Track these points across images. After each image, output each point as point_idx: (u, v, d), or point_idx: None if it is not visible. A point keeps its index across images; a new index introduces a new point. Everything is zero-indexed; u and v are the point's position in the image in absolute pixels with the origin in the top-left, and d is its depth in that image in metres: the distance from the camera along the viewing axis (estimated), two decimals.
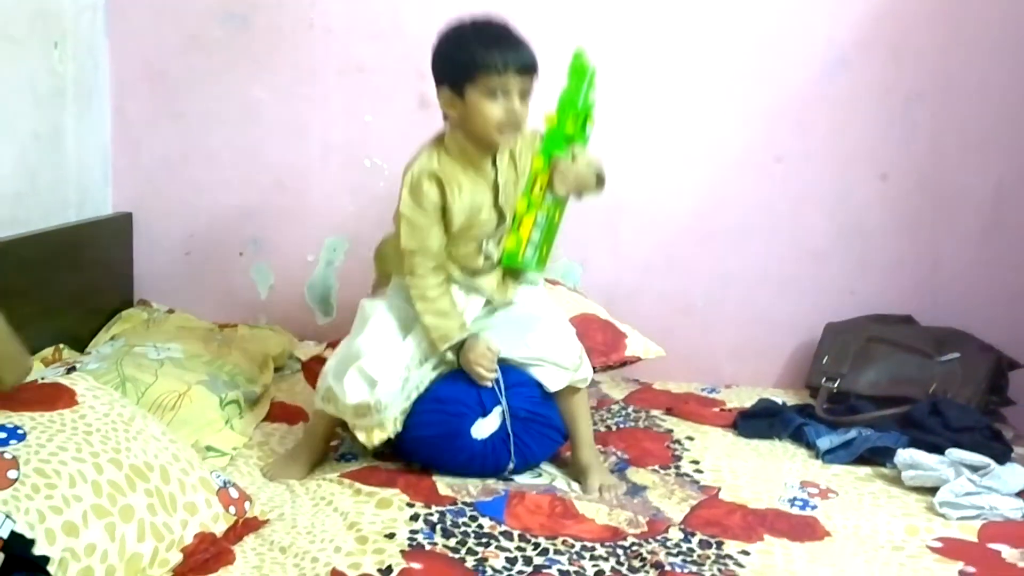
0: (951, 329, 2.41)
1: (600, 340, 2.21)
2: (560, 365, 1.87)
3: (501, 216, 1.85)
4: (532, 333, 1.88)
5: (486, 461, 1.81)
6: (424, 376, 1.84)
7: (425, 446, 1.83)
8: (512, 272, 1.91)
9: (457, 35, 1.78)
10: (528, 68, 1.73)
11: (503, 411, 1.82)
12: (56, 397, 1.43)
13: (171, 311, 2.58)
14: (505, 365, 1.86)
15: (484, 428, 1.82)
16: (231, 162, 2.61)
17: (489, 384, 1.82)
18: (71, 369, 1.88)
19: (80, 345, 2.30)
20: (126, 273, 2.61)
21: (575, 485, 1.85)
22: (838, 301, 2.56)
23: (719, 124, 2.54)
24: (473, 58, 1.72)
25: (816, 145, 2.53)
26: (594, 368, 2.04)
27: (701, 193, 2.58)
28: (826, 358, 2.42)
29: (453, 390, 1.84)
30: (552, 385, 1.87)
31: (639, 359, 2.30)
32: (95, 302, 2.45)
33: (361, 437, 1.82)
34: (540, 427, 1.86)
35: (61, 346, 2.20)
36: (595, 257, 2.59)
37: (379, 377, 1.77)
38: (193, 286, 2.66)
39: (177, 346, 2.19)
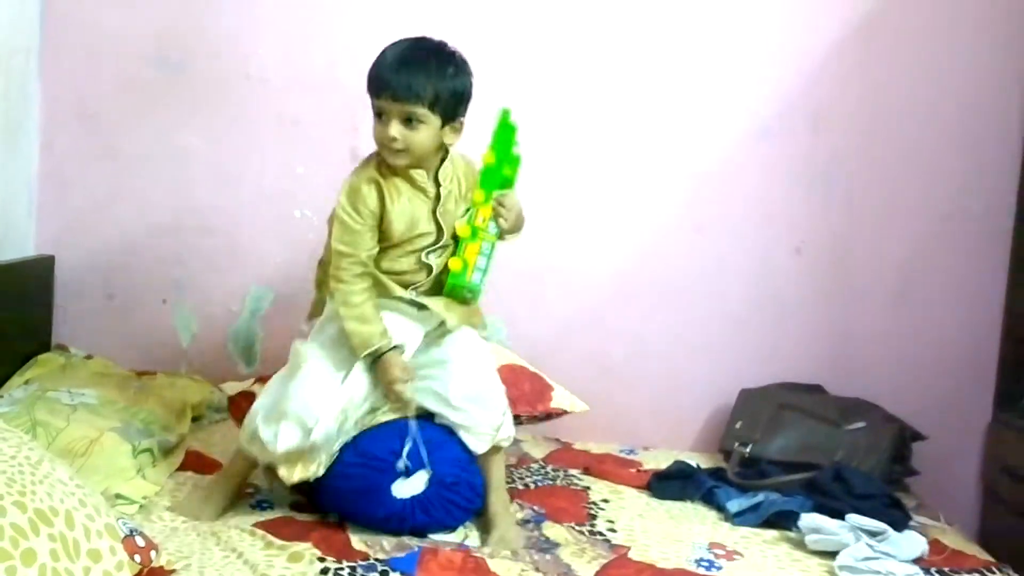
0: (858, 399, 2.50)
1: (527, 390, 2.25)
2: (483, 432, 1.89)
3: (440, 230, 1.88)
4: (454, 389, 1.88)
5: (404, 521, 1.81)
6: (362, 416, 1.85)
7: (343, 497, 1.82)
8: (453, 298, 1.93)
9: (380, 53, 1.84)
10: (401, 97, 1.75)
11: (428, 473, 1.83)
12: None
13: (89, 356, 2.53)
14: (431, 424, 1.88)
15: (406, 488, 1.82)
16: (159, 206, 2.60)
17: (406, 397, 1.83)
18: None
19: None
20: (44, 316, 2.56)
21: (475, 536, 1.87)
22: (754, 367, 2.64)
23: (644, 190, 2.63)
24: (369, 77, 1.81)
25: (736, 214, 2.63)
26: (518, 418, 2.09)
27: (624, 256, 2.65)
28: (739, 423, 2.49)
29: (378, 444, 1.84)
30: (477, 449, 1.90)
31: (565, 412, 2.35)
32: (10, 346, 2.38)
33: (282, 472, 1.81)
34: (464, 493, 1.88)
35: None
36: (519, 315, 2.64)
37: (314, 423, 1.76)
38: (114, 331, 2.63)
39: (92, 392, 2.15)
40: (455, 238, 1.89)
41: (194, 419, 2.34)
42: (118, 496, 1.83)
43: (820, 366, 2.64)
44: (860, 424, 2.38)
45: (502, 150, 1.90)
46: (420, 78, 1.75)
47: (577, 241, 2.64)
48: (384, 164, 1.84)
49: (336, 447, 1.82)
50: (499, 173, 1.89)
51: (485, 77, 2.50)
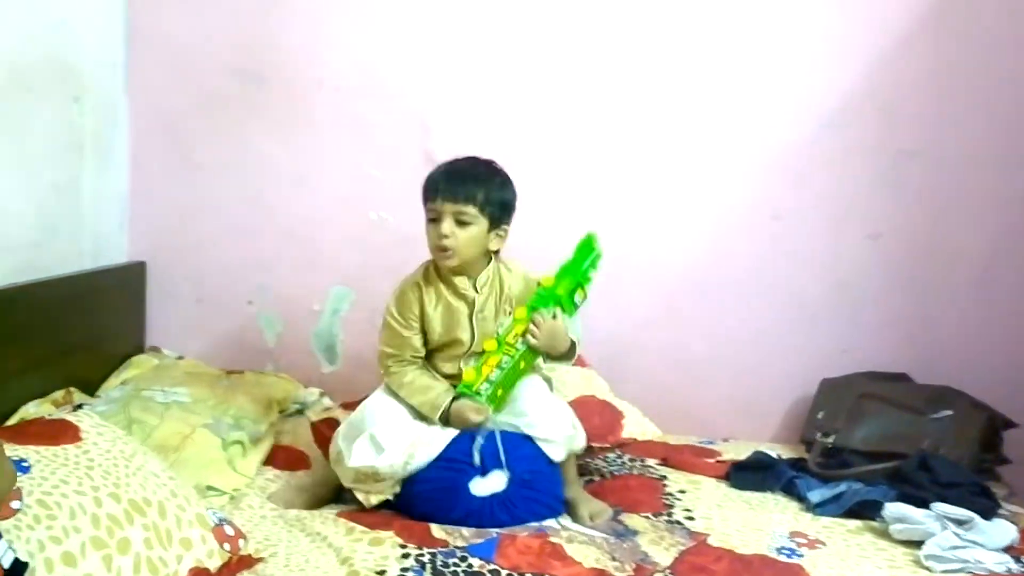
0: (944, 387, 2.43)
1: (597, 423, 2.25)
2: (558, 441, 1.95)
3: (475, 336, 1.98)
4: (532, 412, 1.95)
5: (483, 519, 1.84)
6: (438, 445, 1.91)
7: (423, 500, 1.87)
8: None
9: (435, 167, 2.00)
10: (457, 194, 1.90)
11: (506, 473, 1.87)
12: (61, 432, 1.49)
13: (181, 357, 2.65)
14: (509, 432, 1.93)
15: (484, 486, 1.86)
16: (242, 213, 2.70)
17: (483, 420, 1.89)
18: (78, 407, 1.94)
19: (91, 389, 2.36)
20: (138, 320, 2.69)
21: (565, 521, 1.89)
22: (835, 357, 2.60)
23: (719, 182, 2.61)
24: (424, 187, 1.96)
25: (811, 203, 2.59)
26: (591, 448, 2.13)
27: (701, 249, 2.64)
28: (821, 413, 2.45)
29: (453, 447, 1.89)
30: (555, 456, 1.94)
31: (635, 440, 2.35)
32: (107, 347, 2.51)
33: (360, 497, 1.89)
34: (541, 491, 1.90)
35: (72, 389, 2.26)
36: (594, 311, 2.61)
37: (387, 447, 1.85)
38: (203, 333, 2.74)
39: (184, 390, 2.24)
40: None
41: (280, 413, 2.41)
42: (209, 488, 1.91)
43: (903, 354, 2.58)
44: (947, 412, 2.32)
45: (568, 272, 1.97)
46: (471, 183, 1.92)
47: (653, 234, 2.64)
48: (430, 271, 2.00)
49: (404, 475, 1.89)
50: (552, 293, 1.94)
51: (561, 70, 2.57)
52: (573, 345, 1.98)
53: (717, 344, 2.65)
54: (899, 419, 2.34)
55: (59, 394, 2.20)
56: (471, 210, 1.90)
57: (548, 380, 2.10)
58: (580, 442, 2.01)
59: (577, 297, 1.98)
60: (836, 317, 2.62)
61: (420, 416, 1.95)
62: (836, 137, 2.56)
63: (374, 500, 1.89)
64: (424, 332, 2.00)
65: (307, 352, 2.73)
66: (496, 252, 2.02)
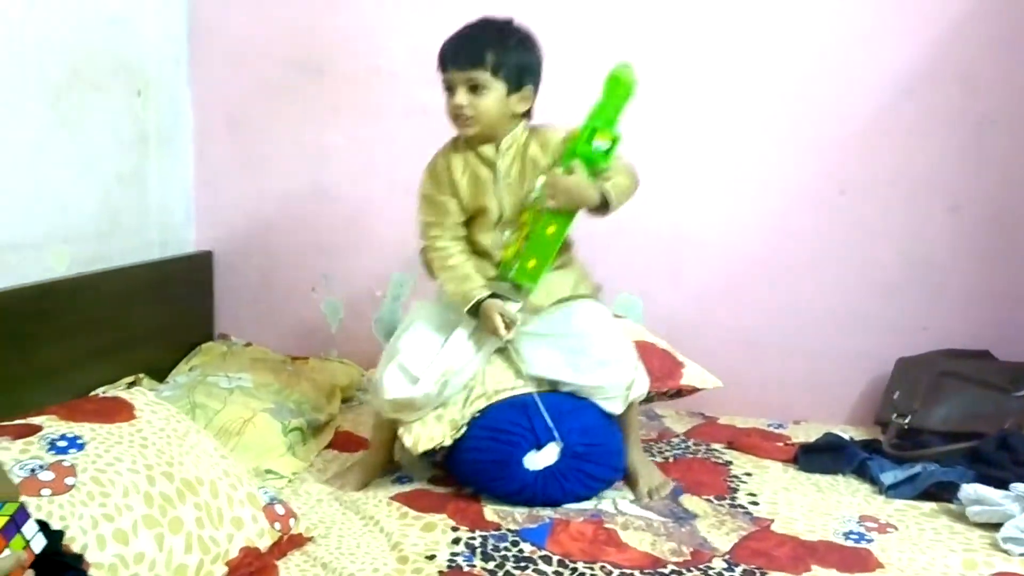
0: None
1: (656, 366, 2.16)
2: (616, 394, 1.88)
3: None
4: (583, 357, 1.87)
5: (536, 492, 1.81)
6: (470, 370, 1.88)
7: (477, 470, 1.85)
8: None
9: None
10: (465, 61, 1.81)
11: (559, 444, 1.83)
12: (116, 410, 1.52)
13: (248, 344, 2.69)
14: (560, 392, 1.88)
15: (538, 460, 1.83)
16: (304, 201, 2.72)
17: (504, 335, 1.83)
18: (131, 384, 1.98)
19: (161, 376, 2.41)
20: (207, 308, 2.75)
21: (622, 504, 1.85)
22: (910, 336, 2.49)
23: (783, 155, 2.52)
24: (438, 57, 1.88)
25: (884, 176, 2.49)
26: (649, 394, 2.04)
27: (766, 224, 2.56)
28: (897, 393, 2.35)
29: (505, 417, 1.86)
30: (614, 410, 1.89)
31: (695, 389, 2.26)
32: (177, 335, 2.57)
33: (407, 442, 1.85)
34: (598, 462, 1.86)
35: (141, 375, 2.32)
36: (656, 289, 2.59)
37: (417, 375, 1.83)
38: (269, 321, 2.78)
39: (248, 376, 2.28)
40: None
41: (344, 401, 2.44)
42: (268, 472, 1.93)
43: (985, 331, 2.46)
44: None
45: (594, 117, 1.80)
46: (480, 46, 1.82)
47: (715, 209, 2.56)
48: (458, 141, 1.93)
49: (461, 421, 1.85)
50: (579, 147, 1.79)
51: (621, 42, 2.51)
52: (604, 198, 1.80)
53: (785, 323, 2.56)
54: (980, 398, 2.23)
55: (128, 380, 2.26)
56: (483, 76, 1.80)
57: (597, 291, 2.01)
58: (641, 388, 1.93)
59: (600, 143, 1.78)
60: (914, 293, 2.51)
61: (444, 327, 1.90)
62: (912, 106, 2.44)
63: (421, 446, 1.83)
64: (459, 203, 1.91)
65: (370, 338, 2.74)
66: (526, 115, 1.92)
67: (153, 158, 2.53)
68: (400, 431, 1.88)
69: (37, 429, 1.42)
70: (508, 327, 1.84)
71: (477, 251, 1.94)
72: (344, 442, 2.21)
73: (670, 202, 2.52)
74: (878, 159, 2.49)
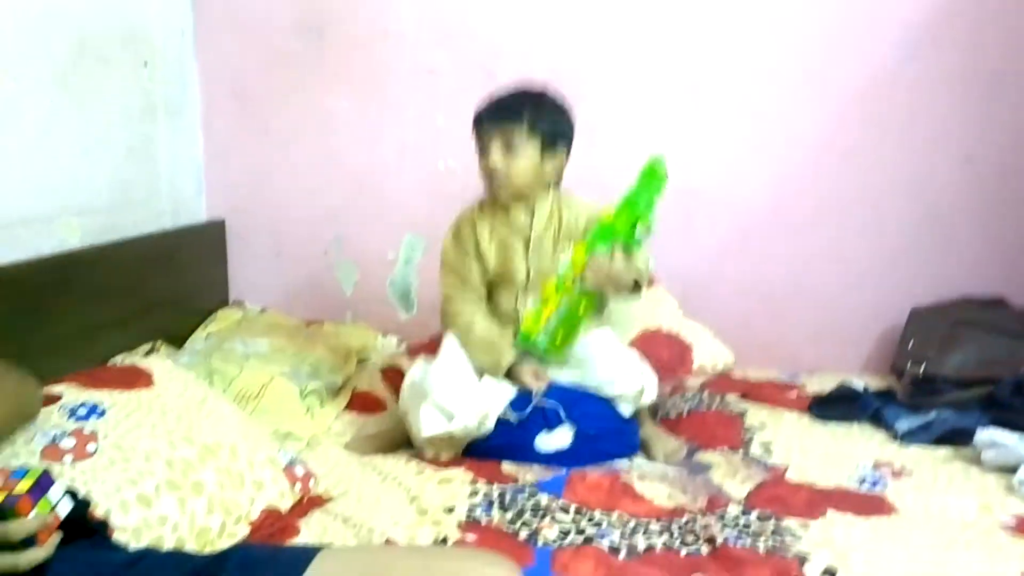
0: None
1: (666, 357, 2.16)
2: (628, 399, 1.90)
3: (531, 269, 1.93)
4: (601, 377, 1.89)
5: None
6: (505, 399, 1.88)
7: (489, 454, 1.85)
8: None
9: None
10: (502, 117, 1.84)
11: (572, 428, 1.85)
12: (135, 378, 1.54)
13: (263, 310, 2.71)
14: (576, 390, 1.89)
15: (550, 442, 1.84)
16: (313, 168, 2.73)
17: (542, 385, 1.86)
18: (149, 352, 2.00)
19: (179, 342, 2.43)
20: (221, 275, 2.76)
21: (636, 460, 1.87)
22: (924, 285, 2.49)
23: (795, 109, 2.51)
24: (473, 121, 1.92)
25: (896, 128, 2.47)
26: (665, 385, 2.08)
27: (778, 177, 2.55)
28: (912, 342, 2.36)
29: (519, 403, 1.86)
30: (625, 412, 1.91)
31: (707, 371, 2.28)
32: (193, 303, 2.59)
33: (429, 455, 1.86)
34: (609, 444, 1.88)
35: (159, 343, 2.34)
36: (668, 245, 2.54)
37: (456, 411, 1.81)
38: (283, 286, 2.80)
39: (264, 341, 2.30)
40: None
41: (359, 362, 2.45)
42: (287, 435, 1.95)
43: (999, 279, 2.46)
44: None
45: (630, 203, 1.81)
46: (517, 106, 1.87)
47: (725, 164, 2.55)
48: (484, 205, 1.95)
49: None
50: (611, 229, 1.80)
51: (631, 7, 2.50)
52: (637, 284, 1.86)
53: (798, 274, 2.57)
54: (995, 344, 2.23)
55: (146, 347, 2.28)
56: (518, 134, 1.84)
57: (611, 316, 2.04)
58: (650, 395, 1.94)
59: (639, 231, 1.85)
60: (926, 243, 2.50)
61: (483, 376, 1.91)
62: (922, 61, 2.42)
63: (444, 458, 1.85)
64: (483, 267, 1.96)
65: (384, 300, 2.76)
66: (556, 183, 1.96)
67: (162, 129, 2.53)
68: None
69: (57, 398, 1.44)
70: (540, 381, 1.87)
71: (498, 313, 1.97)
72: (362, 403, 2.22)
73: (680, 158, 2.47)
74: (891, 112, 2.47)
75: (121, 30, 2.34)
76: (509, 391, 1.87)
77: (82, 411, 1.40)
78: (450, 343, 1.95)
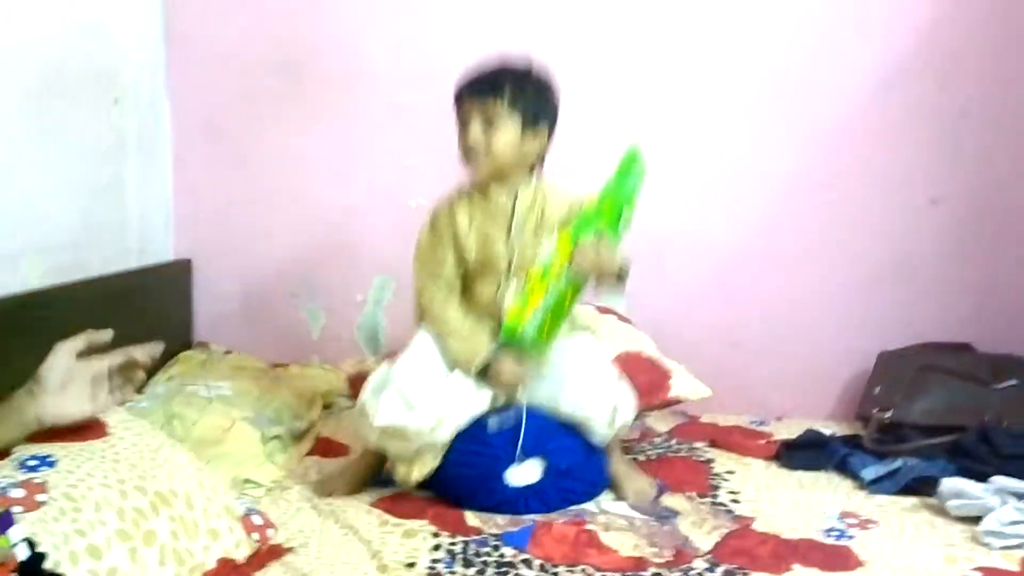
0: (1009, 356, 2.32)
1: (644, 381, 2.14)
2: (599, 429, 1.86)
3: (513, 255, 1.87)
4: (564, 393, 1.85)
5: (516, 508, 1.79)
6: (466, 414, 1.84)
7: (458, 484, 1.83)
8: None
9: None
10: (482, 91, 1.78)
11: (542, 463, 1.82)
12: (88, 429, 1.50)
13: (228, 352, 2.67)
14: (547, 419, 1.86)
15: (520, 476, 1.82)
16: (284, 207, 2.71)
17: (520, 391, 1.81)
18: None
19: (140, 386, 2.39)
20: (185, 316, 2.73)
21: (605, 503, 1.85)
22: (892, 329, 2.51)
23: (765, 151, 2.54)
24: (454, 93, 1.84)
25: (863, 171, 2.51)
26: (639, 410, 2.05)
27: (748, 221, 2.57)
28: (879, 387, 2.36)
29: (491, 432, 1.84)
30: (597, 443, 1.88)
31: (682, 400, 2.27)
32: None
33: (400, 471, 1.83)
34: (581, 479, 1.86)
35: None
36: (641, 287, 2.55)
37: (417, 403, 1.77)
38: (250, 327, 2.76)
39: (228, 384, 2.26)
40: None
41: (325, 407, 2.42)
42: (247, 481, 1.91)
43: (966, 324, 2.48)
44: (1012, 382, 2.22)
45: (610, 195, 1.78)
46: (498, 79, 1.81)
47: (698, 207, 2.57)
48: (463, 190, 1.90)
49: (445, 438, 1.82)
50: (593, 219, 1.77)
51: (603, 41, 2.51)
52: (622, 271, 1.80)
53: (768, 319, 2.58)
54: (961, 391, 2.24)
55: None
56: (499, 107, 1.78)
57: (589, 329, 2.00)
58: (625, 417, 1.89)
59: (624, 217, 1.80)
60: (895, 287, 2.53)
61: (453, 371, 1.84)
62: (892, 101, 2.47)
63: (415, 477, 1.80)
64: (461, 257, 1.88)
65: (352, 343, 2.74)
66: (539, 166, 1.90)
67: (131, 166, 2.51)
68: (392, 463, 1.86)
69: (6, 453, 1.40)
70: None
71: (475, 306, 1.90)
72: (325, 449, 2.19)
73: (654, 200, 2.49)
74: (859, 153, 2.51)
75: (92, 66, 2.32)
76: (477, 401, 1.83)
77: (32, 462, 1.36)
78: (421, 338, 1.89)
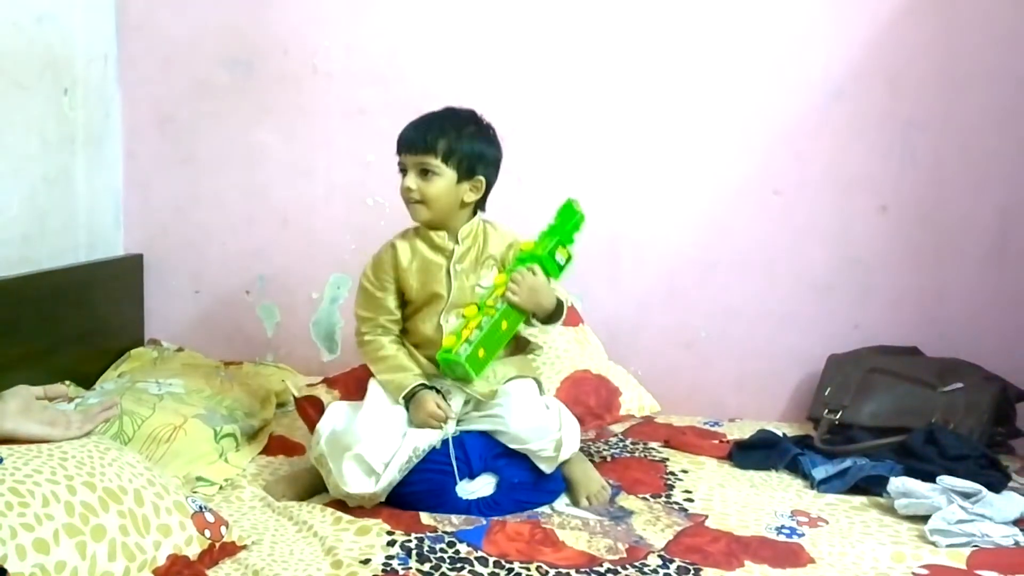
0: (955, 360, 2.37)
1: (593, 403, 2.13)
2: (547, 455, 1.86)
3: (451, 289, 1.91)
4: (516, 429, 1.85)
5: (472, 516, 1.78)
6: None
7: (410, 499, 1.80)
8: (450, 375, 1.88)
9: None
10: (418, 145, 1.86)
11: (494, 478, 1.84)
12: None
13: (180, 349, 2.63)
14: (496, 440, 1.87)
15: (471, 490, 1.83)
16: (237, 203, 2.68)
17: (440, 423, 1.82)
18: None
19: (89, 382, 2.34)
20: (136, 313, 2.68)
21: (558, 506, 1.86)
22: (842, 333, 2.55)
23: (717, 156, 2.56)
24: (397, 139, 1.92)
25: (814, 177, 2.54)
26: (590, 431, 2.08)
27: (701, 225, 2.59)
28: (828, 389, 2.40)
29: (440, 451, 1.82)
30: (546, 469, 1.87)
31: (634, 417, 2.27)
32: (105, 341, 2.51)
33: (350, 503, 1.80)
34: (532, 489, 1.87)
35: (67, 383, 2.24)
36: (595, 291, 2.60)
37: (380, 469, 1.76)
38: (202, 325, 2.72)
39: (179, 381, 2.23)
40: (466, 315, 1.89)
41: (279, 406, 2.40)
42: (199, 479, 1.89)
43: (914, 328, 2.52)
44: (958, 385, 2.26)
45: (548, 233, 1.90)
46: (434, 132, 1.87)
47: (651, 212, 2.59)
48: (408, 230, 1.96)
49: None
50: (531, 254, 1.88)
51: (558, 49, 2.53)
52: (560, 304, 1.90)
53: (721, 323, 2.60)
54: (909, 393, 2.28)
55: None
56: (433, 161, 1.85)
57: (538, 382, 2.00)
58: (569, 450, 1.89)
59: (559, 256, 1.89)
60: (845, 292, 2.56)
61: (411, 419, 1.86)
62: (841, 108, 2.50)
63: (367, 506, 1.80)
64: (401, 292, 1.94)
65: (307, 341, 2.71)
66: (478, 206, 1.95)
67: (80, 158, 2.46)
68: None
69: None
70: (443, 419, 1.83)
71: (416, 341, 1.94)
72: (278, 447, 2.17)
73: (607, 205, 2.54)
74: (809, 160, 2.54)
75: (41, 55, 2.27)
76: (433, 438, 1.83)
77: None
78: (375, 388, 1.91)
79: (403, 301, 1.96)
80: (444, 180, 1.86)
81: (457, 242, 1.92)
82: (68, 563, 1.28)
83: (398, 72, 2.60)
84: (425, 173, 1.86)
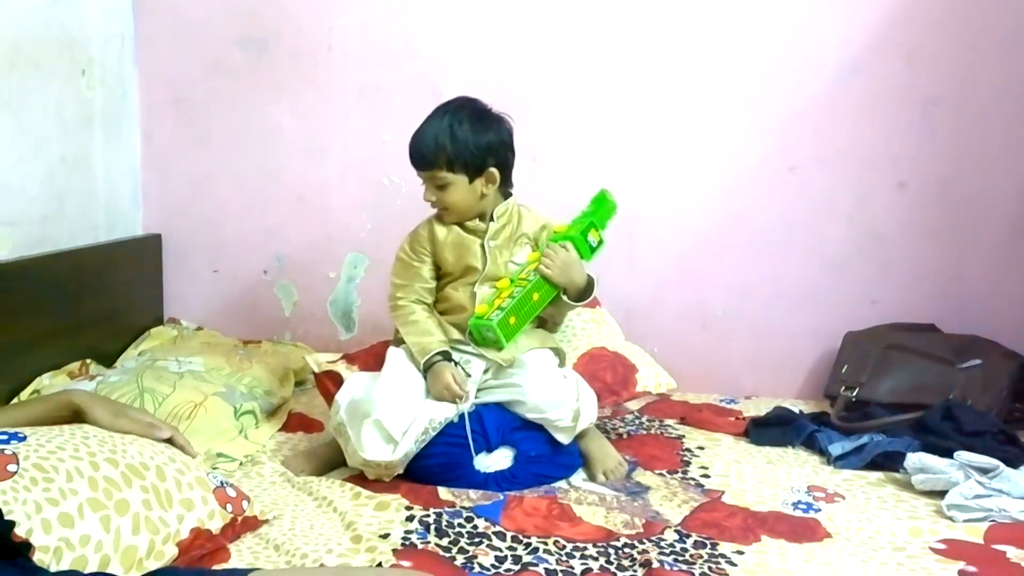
0: (973, 336, 2.36)
1: (610, 379, 2.14)
2: (564, 426, 1.88)
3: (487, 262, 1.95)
4: (534, 400, 1.88)
5: (490, 490, 1.79)
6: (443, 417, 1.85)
7: (429, 473, 1.82)
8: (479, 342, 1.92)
9: None
10: (422, 164, 1.92)
11: (512, 451, 1.85)
12: None
13: (200, 328, 2.66)
14: (515, 415, 1.89)
15: (490, 463, 1.84)
16: (254, 183, 2.69)
17: (459, 398, 1.83)
18: (80, 368, 1.94)
19: (110, 360, 2.37)
20: (156, 292, 2.70)
21: (575, 480, 1.87)
22: (859, 310, 2.54)
23: (733, 134, 2.54)
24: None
25: (832, 153, 2.52)
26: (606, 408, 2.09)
27: (717, 204, 2.58)
28: (845, 367, 2.39)
29: (459, 424, 1.84)
30: (564, 440, 1.90)
31: (650, 393, 2.27)
32: (125, 320, 2.53)
33: (368, 474, 1.83)
34: (549, 463, 1.88)
35: (88, 361, 2.28)
36: (611, 271, 2.57)
37: (398, 436, 1.77)
38: (220, 304, 2.74)
39: (199, 360, 2.25)
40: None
41: (297, 384, 2.42)
42: (220, 455, 1.91)
43: (931, 305, 2.51)
44: (975, 362, 2.26)
45: (582, 217, 1.97)
46: (431, 148, 1.90)
47: (667, 191, 2.58)
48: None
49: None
50: (565, 236, 1.94)
51: (575, 27, 2.52)
52: (591, 282, 1.95)
53: (738, 300, 2.60)
54: (926, 370, 2.28)
55: (75, 366, 2.22)
56: (440, 174, 1.90)
57: (560, 353, 2.03)
58: (587, 420, 1.92)
59: (591, 238, 1.96)
60: (862, 269, 2.55)
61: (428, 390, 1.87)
62: (859, 84, 2.48)
63: (385, 478, 1.82)
64: (436, 265, 1.98)
65: (324, 320, 2.73)
66: (506, 187, 1.99)
67: (99, 139, 2.48)
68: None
69: None
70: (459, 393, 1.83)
71: (448, 308, 1.98)
72: (297, 424, 2.19)
73: (622, 185, 2.50)
74: (826, 136, 2.52)
75: (58, 36, 2.29)
76: (450, 412, 1.84)
77: (2, 437, 1.35)
78: (394, 357, 1.93)
79: (438, 275, 2.00)
80: (458, 186, 1.90)
81: (492, 219, 1.96)
82: (92, 537, 1.30)
83: (413, 50, 2.59)
84: (438, 187, 1.91)
